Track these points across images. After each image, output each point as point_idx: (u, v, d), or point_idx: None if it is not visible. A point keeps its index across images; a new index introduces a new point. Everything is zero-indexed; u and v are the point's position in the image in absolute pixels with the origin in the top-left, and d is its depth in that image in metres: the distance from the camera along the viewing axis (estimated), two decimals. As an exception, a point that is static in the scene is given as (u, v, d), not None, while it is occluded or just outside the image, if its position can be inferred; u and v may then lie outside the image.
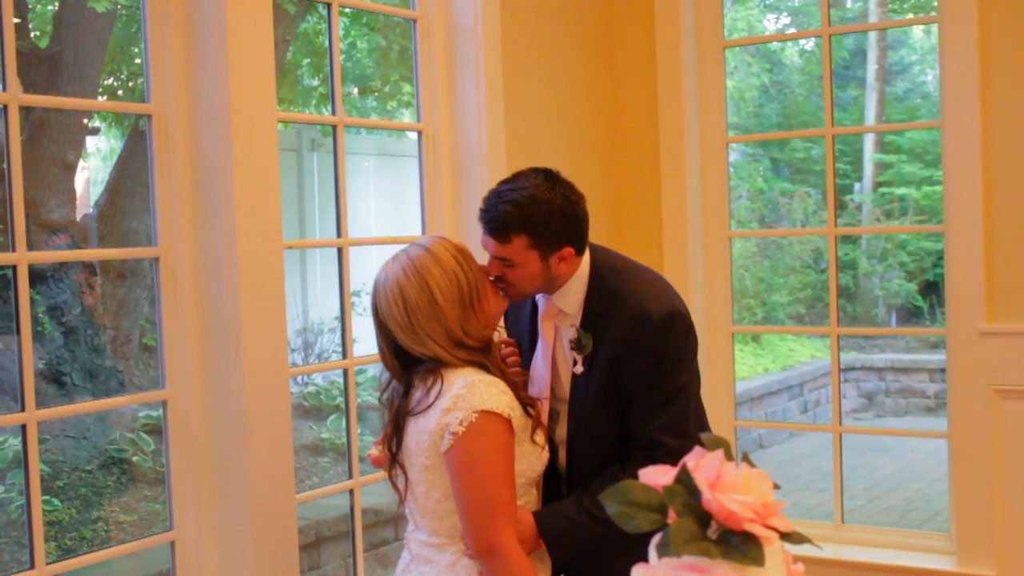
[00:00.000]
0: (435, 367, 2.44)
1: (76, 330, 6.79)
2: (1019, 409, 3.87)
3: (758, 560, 1.33)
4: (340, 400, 7.81)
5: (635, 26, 4.56)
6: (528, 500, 2.55)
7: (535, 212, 2.49)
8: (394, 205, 9.80)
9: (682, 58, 4.47)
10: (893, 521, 7.51)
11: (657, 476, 1.39)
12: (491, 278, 2.58)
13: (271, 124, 3.08)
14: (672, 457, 2.55)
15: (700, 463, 1.38)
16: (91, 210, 7.79)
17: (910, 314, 13.39)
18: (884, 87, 14.80)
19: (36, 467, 2.74)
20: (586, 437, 2.64)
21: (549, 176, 2.56)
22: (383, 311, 2.47)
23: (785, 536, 1.37)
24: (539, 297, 2.73)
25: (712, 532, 1.36)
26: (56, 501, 5.93)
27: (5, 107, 2.70)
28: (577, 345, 2.62)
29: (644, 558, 2.53)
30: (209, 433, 3.04)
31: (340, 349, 8.94)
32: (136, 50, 8.23)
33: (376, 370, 7.96)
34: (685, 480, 1.36)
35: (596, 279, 2.64)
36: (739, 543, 1.33)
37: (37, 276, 6.50)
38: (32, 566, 2.72)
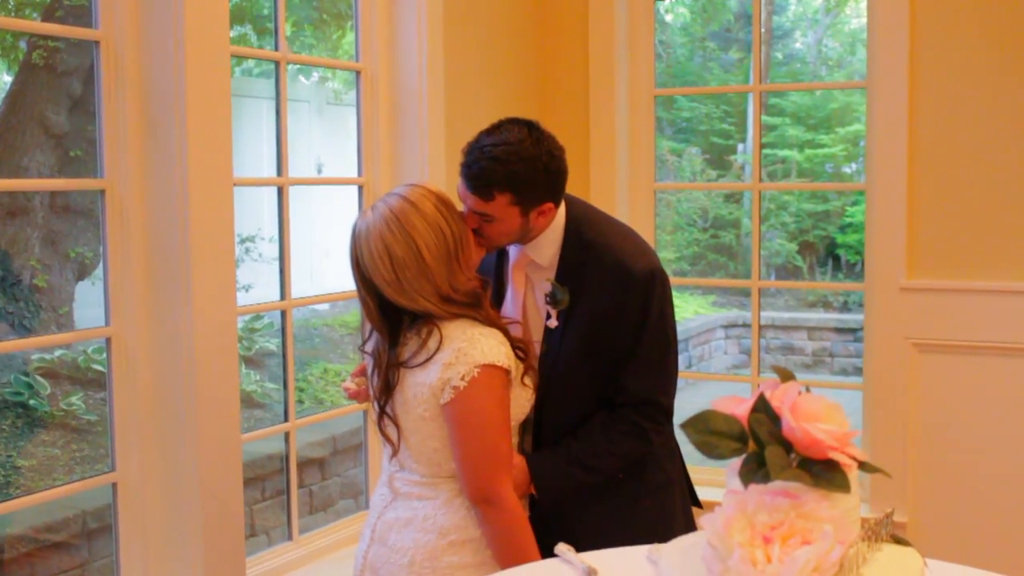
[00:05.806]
0: (428, 319, 2.39)
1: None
2: (935, 362, 4.01)
3: (844, 487, 1.36)
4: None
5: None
6: (515, 443, 2.53)
7: (519, 170, 2.42)
8: (289, 148, 9.60)
9: (615, 8, 4.48)
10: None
11: (732, 405, 1.41)
12: None
13: (225, 56, 2.99)
14: (664, 415, 2.60)
15: (775, 393, 1.40)
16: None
17: (789, 273, 13.73)
18: (770, 51, 15.09)
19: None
20: (559, 391, 2.58)
21: (533, 130, 2.47)
22: (366, 265, 2.38)
23: (861, 465, 1.41)
24: (511, 246, 2.66)
25: (791, 460, 1.39)
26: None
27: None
28: (553, 299, 2.57)
29: (617, 504, 2.59)
30: (154, 371, 2.96)
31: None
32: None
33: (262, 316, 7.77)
34: (764, 409, 1.38)
35: (572, 231, 2.60)
36: (821, 471, 1.36)
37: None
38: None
